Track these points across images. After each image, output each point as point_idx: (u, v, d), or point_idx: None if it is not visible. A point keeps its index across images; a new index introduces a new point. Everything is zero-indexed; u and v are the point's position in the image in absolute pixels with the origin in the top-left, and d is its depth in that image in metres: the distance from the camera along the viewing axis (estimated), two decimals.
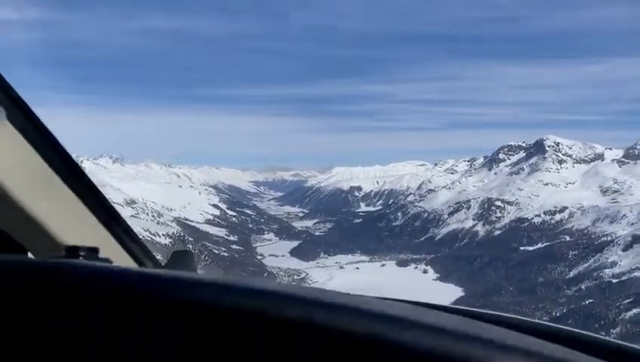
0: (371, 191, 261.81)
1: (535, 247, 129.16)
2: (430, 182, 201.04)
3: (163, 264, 1.44)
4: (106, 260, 1.05)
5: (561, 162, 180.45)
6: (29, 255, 1.26)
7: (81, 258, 1.02)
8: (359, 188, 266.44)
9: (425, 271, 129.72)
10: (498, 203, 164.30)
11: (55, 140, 1.20)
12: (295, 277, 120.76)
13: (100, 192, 1.36)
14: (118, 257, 1.35)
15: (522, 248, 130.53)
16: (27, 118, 1.13)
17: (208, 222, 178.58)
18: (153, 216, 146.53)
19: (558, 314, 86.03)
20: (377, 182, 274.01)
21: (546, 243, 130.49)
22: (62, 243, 1.21)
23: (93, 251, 1.05)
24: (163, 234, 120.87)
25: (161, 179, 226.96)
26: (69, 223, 1.27)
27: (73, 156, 1.21)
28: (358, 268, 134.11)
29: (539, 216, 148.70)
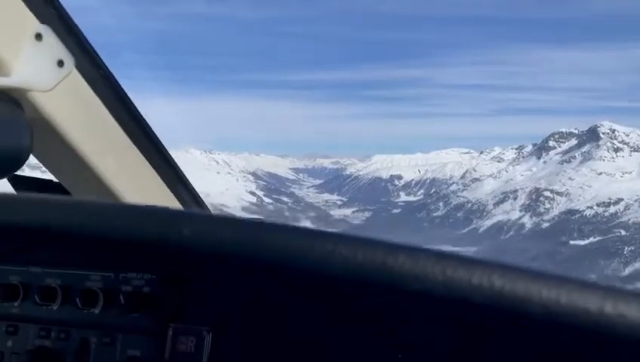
0: (412, 180, 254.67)
1: (587, 241, 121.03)
2: (475, 170, 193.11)
3: None
4: None
5: (616, 150, 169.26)
6: None
7: None
8: (399, 177, 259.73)
9: None
10: (547, 193, 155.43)
11: (124, 94, 1.19)
12: None
13: (166, 150, 1.33)
14: None
15: (572, 242, 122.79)
16: (97, 70, 1.12)
17: (244, 209, 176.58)
18: None
19: None
20: (419, 170, 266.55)
21: (598, 238, 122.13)
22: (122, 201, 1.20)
23: None
24: None
25: (201, 164, 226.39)
26: (131, 181, 1.25)
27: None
28: None
29: (591, 207, 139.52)
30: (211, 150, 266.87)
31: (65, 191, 1.23)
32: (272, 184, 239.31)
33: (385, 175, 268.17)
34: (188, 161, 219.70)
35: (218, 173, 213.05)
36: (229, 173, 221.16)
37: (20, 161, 0.98)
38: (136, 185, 1.26)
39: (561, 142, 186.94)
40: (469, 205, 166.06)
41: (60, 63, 1.01)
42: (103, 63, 1.12)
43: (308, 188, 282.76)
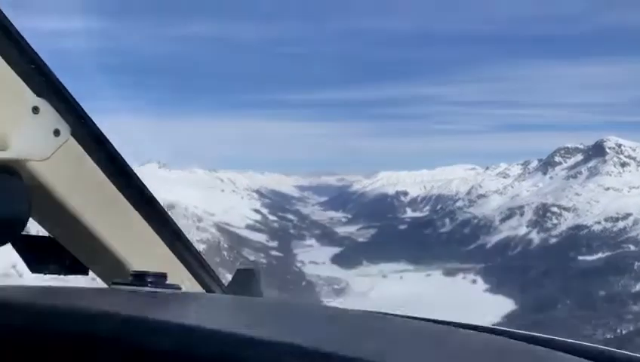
0: (418, 196, 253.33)
1: (595, 257, 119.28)
2: (480, 186, 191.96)
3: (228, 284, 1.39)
4: (174, 286, 1.05)
5: (623, 165, 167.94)
6: (95, 278, 1.25)
7: (149, 284, 1.02)
8: (405, 193, 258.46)
9: (474, 282, 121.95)
10: (554, 209, 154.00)
11: (121, 159, 1.20)
12: (335, 286, 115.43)
13: (168, 214, 1.33)
14: (184, 283, 1.32)
15: (581, 258, 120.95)
16: (92, 136, 1.13)
17: (249, 227, 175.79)
18: (193, 220, 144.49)
19: (623, 332, 77.79)
20: (424, 186, 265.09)
21: (607, 253, 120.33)
22: (128, 268, 1.20)
23: (161, 277, 1.04)
24: (198, 240, 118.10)
25: (205, 183, 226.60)
26: (135, 246, 1.25)
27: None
28: (401, 278, 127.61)
29: (599, 223, 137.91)
30: (215, 169, 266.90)
31: (61, 248, 1.23)
32: (277, 202, 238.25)
33: (390, 191, 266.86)
34: (192, 180, 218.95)
35: (222, 191, 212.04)
36: (234, 191, 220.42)
37: (18, 229, 1.01)
38: (136, 247, 1.26)
39: (567, 157, 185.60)
40: (476, 221, 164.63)
41: (57, 133, 1.04)
42: (98, 129, 1.14)
43: (313, 205, 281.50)
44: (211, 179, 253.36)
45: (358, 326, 0.86)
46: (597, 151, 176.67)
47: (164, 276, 1.04)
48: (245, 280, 1.35)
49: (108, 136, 1.15)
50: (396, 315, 1.07)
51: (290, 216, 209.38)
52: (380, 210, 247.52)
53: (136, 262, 1.22)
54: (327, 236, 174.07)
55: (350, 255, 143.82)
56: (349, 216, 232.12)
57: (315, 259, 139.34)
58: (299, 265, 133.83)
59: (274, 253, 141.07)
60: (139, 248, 1.26)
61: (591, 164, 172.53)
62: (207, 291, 1.42)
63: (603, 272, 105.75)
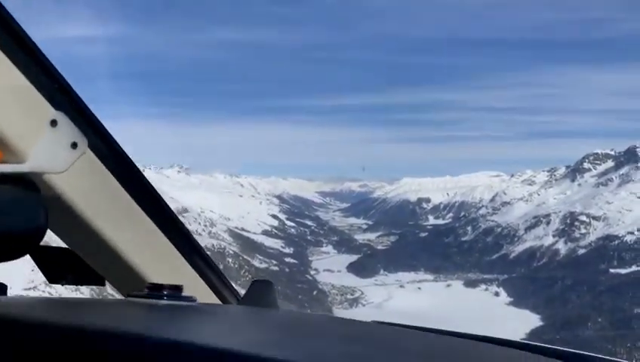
0: (440, 203, 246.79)
1: (629, 270, 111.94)
2: (505, 193, 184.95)
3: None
4: (190, 298, 1.06)
5: None
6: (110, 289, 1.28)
7: (165, 297, 1.03)
8: (428, 200, 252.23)
9: (496, 294, 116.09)
10: (583, 217, 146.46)
11: (137, 171, 1.22)
12: (349, 296, 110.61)
13: (184, 225, 1.36)
14: (201, 294, 1.34)
15: (612, 271, 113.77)
16: (110, 149, 1.15)
17: (265, 232, 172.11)
18: (205, 225, 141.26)
19: None
20: (447, 193, 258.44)
21: None
22: (145, 279, 1.22)
23: (176, 289, 1.05)
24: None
25: (224, 188, 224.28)
26: (152, 257, 1.27)
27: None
28: (420, 288, 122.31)
29: (632, 233, 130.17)
30: (237, 174, 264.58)
31: (78, 259, 1.27)
32: (297, 207, 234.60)
33: (413, 198, 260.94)
34: (212, 184, 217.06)
35: (241, 196, 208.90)
36: (253, 197, 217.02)
37: (36, 240, 1.03)
38: (152, 258, 1.28)
39: (597, 164, 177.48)
40: (499, 229, 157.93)
41: (74, 145, 1.06)
42: (115, 141, 1.16)
43: (334, 211, 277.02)
44: (232, 184, 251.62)
45: (366, 340, 0.85)
46: (629, 157, 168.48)
47: (179, 288, 1.06)
48: (261, 292, 1.36)
49: (125, 148, 1.17)
50: (409, 327, 1.06)
51: (309, 222, 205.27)
52: (401, 216, 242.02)
53: (153, 273, 1.24)
54: (345, 243, 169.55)
55: (367, 263, 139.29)
56: (370, 223, 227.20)
57: (330, 267, 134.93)
58: (312, 272, 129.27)
59: (288, 259, 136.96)
60: (155, 259, 1.28)
61: (623, 170, 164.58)
62: (223, 302, 1.44)
63: (638, 286, 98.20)
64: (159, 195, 1.28)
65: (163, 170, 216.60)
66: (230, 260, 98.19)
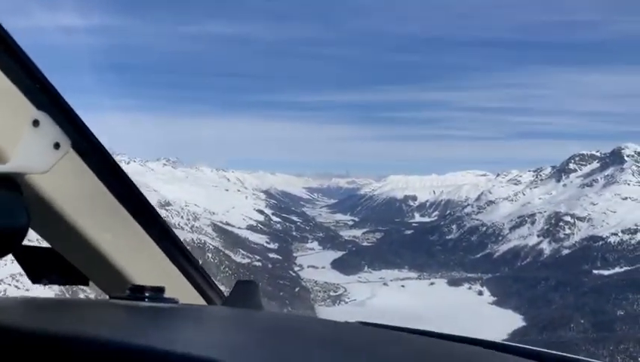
0: (427, 201, 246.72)
1: (612, 271, 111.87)
2: (490, 192, 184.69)
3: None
4: (172, 300, 1.05)
5: None
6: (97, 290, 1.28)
7: (146, 298, 1.03)
8: (414, 198, 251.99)
9: (480, 293, 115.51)
10: (567, 218, 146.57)
11: (121, 171, 1.21)
12: (332, 293, 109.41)
13: (168, 225, 1.35)
14: (185, 295, 1.34)
15: (596, 271, 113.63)
16: (93, 149, 1.14)
17: (250, 227, 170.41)
18: (188, 219, 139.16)
19: None
20: (434, 191, 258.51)
21: (625, 268, 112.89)
22: (129, 280, 1.22)
23: (158, 290, 1.05)
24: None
25: (211, 182, 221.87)
26: (135, 257, 1.26)
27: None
28: (403, 286, 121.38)
29: (616, 234, 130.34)
30: (224, 168, 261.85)
31: (62, 259, 1.26)
32: (284, 203, 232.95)
33: (400, 195, 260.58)
34: (198, 178, 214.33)
35: (227, 190, 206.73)
36: (239, 191, 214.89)
37: (18, 240, 1.03)
38: (136, 258, 1.27)
39: (582, 164, 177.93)
40: (484, 228, 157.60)
41: (57, 146, 1.05)
42: (98, 141, 1.15)
43: (321, 207, 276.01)
44: (219, 178, 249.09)
45: (347, 342, 0.85)
46: (614, 158, 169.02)
47: (161, 289, 1.05)
48: (245, 293, 1.34)
49: (112, 141, 1.40)
50: (392, 328, 1.05)
51: (295, 218, 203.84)
52: (387, 213, 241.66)
53: (136, 273, 1.24)
54: (330, 239, 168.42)
55: (352, 260, 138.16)
56: (356, 220, 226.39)
57: (314, 263, 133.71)
58: (296, 269, 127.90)
59: (272, 255, 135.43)
60: (139, 259, 1.28)
61: (608, 172, 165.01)
62: (207, 303, 1.44)
63: (620, 288, 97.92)
64: (143, 195, 1.27)
65: (148, 162, 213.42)
66: (210, 255, 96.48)
